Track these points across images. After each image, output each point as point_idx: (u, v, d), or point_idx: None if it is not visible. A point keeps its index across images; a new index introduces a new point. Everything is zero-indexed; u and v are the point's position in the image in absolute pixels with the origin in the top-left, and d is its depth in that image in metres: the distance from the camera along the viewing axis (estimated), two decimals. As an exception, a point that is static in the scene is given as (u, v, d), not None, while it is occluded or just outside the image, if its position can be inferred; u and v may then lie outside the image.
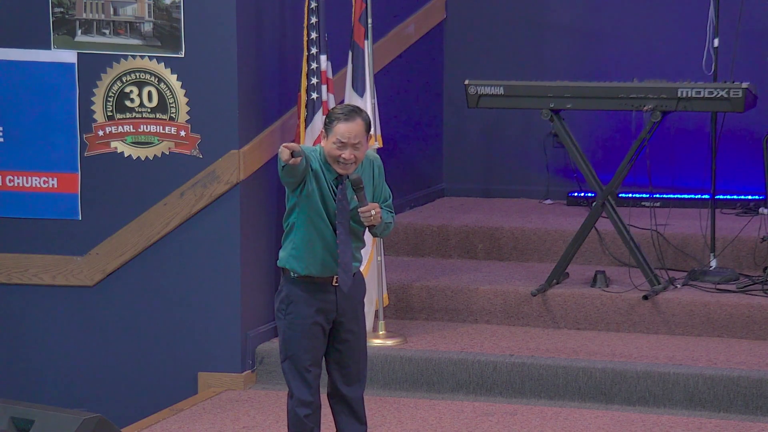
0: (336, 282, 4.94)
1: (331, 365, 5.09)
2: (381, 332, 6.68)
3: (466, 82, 7.11)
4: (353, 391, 5.09)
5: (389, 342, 6.64)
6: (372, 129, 6.62)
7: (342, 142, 4.84)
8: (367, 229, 4.98)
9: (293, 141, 6.73)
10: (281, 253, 4.99)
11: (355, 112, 4.88)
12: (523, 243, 7.56)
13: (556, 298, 6.88)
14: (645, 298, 6.72)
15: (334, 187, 4.89)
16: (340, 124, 4.85)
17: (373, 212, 4.86)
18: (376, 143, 6.70)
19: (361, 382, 5.11)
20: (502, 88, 7.05)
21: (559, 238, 7.45)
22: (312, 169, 4.86)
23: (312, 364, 4.98)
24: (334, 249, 4.90)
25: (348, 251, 4.92)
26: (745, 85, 6.68)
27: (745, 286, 6.83)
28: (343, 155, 4.84)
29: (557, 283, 6.97)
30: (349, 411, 5.12)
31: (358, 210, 4.89)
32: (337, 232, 4.89)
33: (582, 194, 8.18)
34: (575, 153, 6.99)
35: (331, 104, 6.70)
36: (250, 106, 6.57)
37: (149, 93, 6.50)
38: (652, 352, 6.41)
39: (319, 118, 6.62)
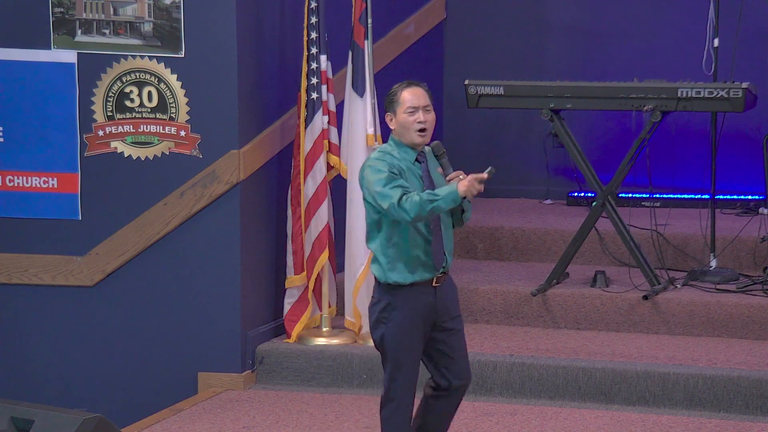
0: (436, 282, 4.84)
1: (439, 360, 4.92)
2: (381, 332, 6.68)
3: (466, 82, 7.11)
4: (465, 382, 4.96)
5: (389, 342, 6.63)
6: (372, 129, 6.65)
7: (413, 107, 4.78)
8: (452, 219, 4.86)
9: (293, 141, 6.74)
10: (376, 268, 4.82)
11: (413, 81, 4.86)
12: (523, 243, 7.56)
13: (556, 298, 6.88)
14: (645, 298, 6.72)
15: (418, 172, 4.79)
16: (404, 92, 4.80)
17: (461, 176, 4.73)
18: (377, 143, 6.70)
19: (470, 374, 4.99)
20: (502, 88, 7.05)
21: (559, 238, 7.46)
22: (403, 171, 4.76)
23: (416, 368, 4.89)
24: (429, 249, 4.80)
25: (446, 238, 4.81)
26: (744, 85, 6.68)
27: (745, 286, 6.82)
28: (419, 118, 4.76)
29: (557, 283, 6.97)
30: (454, 407, 4.98)
31: (446, 177, 4.78)
32: (432, 222, 4.78)
33: (582, 194, 8.18)
34: (575, 153, 6.99)
35: (331, 104, 6.70)
36: (250, 106, 6.57)
37: (149, 93, 6.50)
38: (652, 352, 6.40)
39: (319, 118, 6.62)
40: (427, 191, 4.72)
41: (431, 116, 4.83)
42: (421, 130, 4.80)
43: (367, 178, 4.77)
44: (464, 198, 4.69)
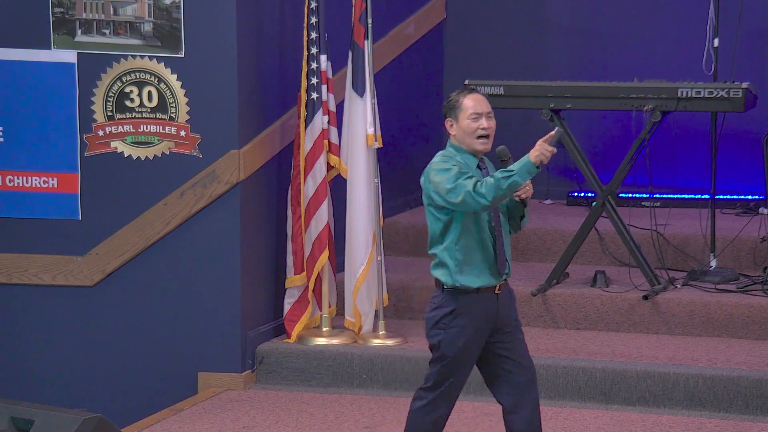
0: (498, 290, 4.82)
1: (499, 366, 4.86)
2: (381, 332, 6.68)
3: (467, 82, 7.10)
4: (531, 375, 4.89)
5: (389, 342, 6.63)
6: (372, 129, 6.65)
7: (477, 113, 4.76)
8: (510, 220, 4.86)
9: (293, 141, 6.74)
10: (441, 272, 4.78)
11: (472, 88, 4.87)
12: (523, 243, 7.56)
13: (556, 298, 6.88)
14: (645, 298, 6.72)
15: (480, 176, 4.75)
16: (466, 99, 4.79)
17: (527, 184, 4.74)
18: (377, 143, 6.70)
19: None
20: (502, 88, 7.05)
21: (559, 238, 7.45)
22: (470, 173, 4.73)
23: (467, 375, 4.86)
24: (492, 255, 4.78)
25: (506, 244, 4.82)
26: (745, 85, 6.68)
27: (745, 286, 6.82)
28: (482, 125, 4.75)
29: (557, 283, 6.97)
30: (533, 413, 4.87)
31: None
32: (493, 223, 4.77)
33: (582, 194, 8.18)
34: (575, 153, 6.99)
35: (331, 104, 6.70)
36: (250, 106, 6.57)
37: (149, 93, 6.49)
38: (652, 352, 6.40)
39: (319, 118, 6.62)
40: (499, 170, 4.68)
41: (493, 123, 4.81)
42: (484, 137, 4.78)
43: (433, 180, 4.74)
44: (538, 168, 4.60)
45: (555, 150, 4.65)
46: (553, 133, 4.64)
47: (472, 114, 4.77)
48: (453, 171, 4.70)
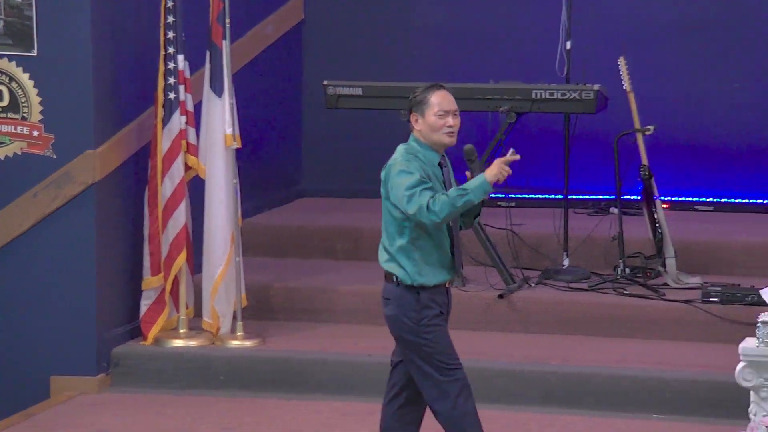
0: (449, 284, 4.93)
1: None
2: (239, 333, 6.66)
3: (325, 82, 7.13)
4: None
5: (247, 343, 6.62)
6: (230, 129, 6.61)
7: (444, 110, 4.81)
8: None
9: (150, 141, 6.67)
10: (398, 269, 4.86)
11: (439, 84, 4.88)
12: (376, 243, 7.58)
13: (415, 298, 6.91)
14: (500, 297, 6.82)
15: (441, 177, 4.83)
16: (433, 96, 4.81)
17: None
18: (235, 143, 6.67)
19: None
20: (360, 89, 7.09)
21: (417, 238, 7.50)
22: (430, 176, 4.78)
23: None
24: (449, 254, 4.86)
25: (460, 241, 4.92)
26: (596, 86, 6.82)
27: (596, 285, 6.97)
28: (448, 122, 4.80)
29: (415, 283, 7.01)
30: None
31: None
32: (451, 224, 4.83)
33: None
34: (433, 154, 7.05)
35: (189, 104, 6.65)
36: (106, 106, 6.49)
37: (0, 92, 6.36)
38: (509, 351, 6.50)
39: (176, 118, 6.57)
40: (453, 188, 4.75)
41: (458, 121, 4.87)
42: (451, 133, 4.83)
43: (393, 180, 4.78)
44: (493, 187, 4.74)
45: (510, 171, 4.76)
46: (509, 157, 4.74)
47: (438, 111, 4.82)
48: (414, 177, 4.75)
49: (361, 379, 6.34)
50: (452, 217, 4.79)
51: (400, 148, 4.89)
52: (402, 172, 4.78)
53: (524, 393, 6.17)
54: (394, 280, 4.90)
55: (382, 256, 4.96)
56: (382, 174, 4.89)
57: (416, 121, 4.87)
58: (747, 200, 8.13)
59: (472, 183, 4.76)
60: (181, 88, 6.57)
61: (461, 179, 4.95)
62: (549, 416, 6.04)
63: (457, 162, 5.07)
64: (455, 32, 8.41)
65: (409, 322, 4.89)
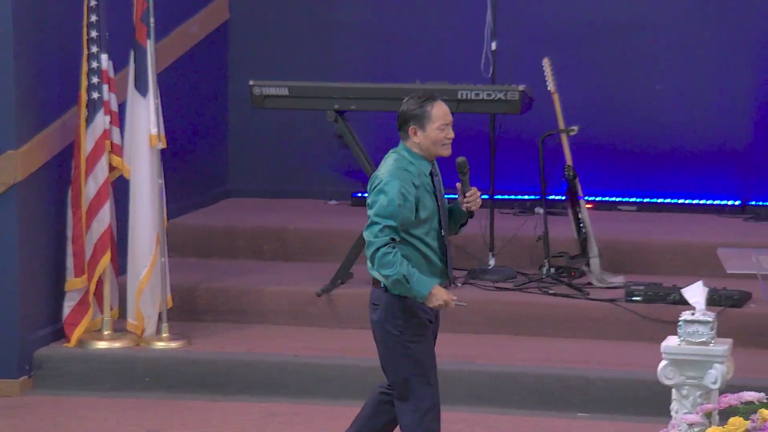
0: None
1: None
2: (165, 335, 6.62)
3: (251, 82, 7.10)
4: None
5: (173, 344, 6.58)
6: (155, 129, 6.57)
7: (446, 123, 4.85)
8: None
9: (73, 141, 6.60)
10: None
11: (434, 95, 4.90)
12: (310, 244, 7.59)
13: (342, 298, 6.93)
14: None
15: (431, 188, 4.86)
16: (434, 109, 4.83)
17: (477, 194, 4.90)
18: (160, 143, 6.62)
19: None
20: (286, 89, 7.07)
21: (344, 239, 7.50)
22: (417, 188, 4.79)
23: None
24: (439, 262, 4.88)
25: (451, 248, 4.95)
26: (521, 87, 6.87)
27: (522, 284, 7.02)
28: (448, 134, 4.85)
29: (342, 283, 7.02)
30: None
31: (466, 194, 4.88)
32: (443, 231, 4.87)
33: (366, 195, 8.25)
34: (359, 153, 7.06)
35: (113, 104, 6.60)
36: (28, 106, 6.42)
37: None
38: (436, 350, 6.49)
39: (100, 118, 6.52)
40: (407, 267, 4.73)
41: (452, 132, 4.92)
42: (448, 146, 4.88)
43: (373, 195, 4.79)
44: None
45: (445, 306, 4.84)
46: (453, 304, 4.85)
47: (441, 125, 4.85)
48: (393, 204, 4.74)
49: (288, 380, 6.33)
50: (385, 279, 4.78)
51: (390, 159, 4.90)
52: (384, 192, 4.79)
53: (452, 392, 6.19)
54: (382, 286, 4.88)
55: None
56: (369, 184, 4.92)
57: (415, 133, 4.88)
58: (669, 200, 8.23)
59: (417, 285, 4.76)
60: (105, 87, 6.52)
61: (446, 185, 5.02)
62: (477, 415, 6.07)
63: (445, 169, 5.09)
64: (382, 32, 8.43)
65: (394, 330, 4.87)
